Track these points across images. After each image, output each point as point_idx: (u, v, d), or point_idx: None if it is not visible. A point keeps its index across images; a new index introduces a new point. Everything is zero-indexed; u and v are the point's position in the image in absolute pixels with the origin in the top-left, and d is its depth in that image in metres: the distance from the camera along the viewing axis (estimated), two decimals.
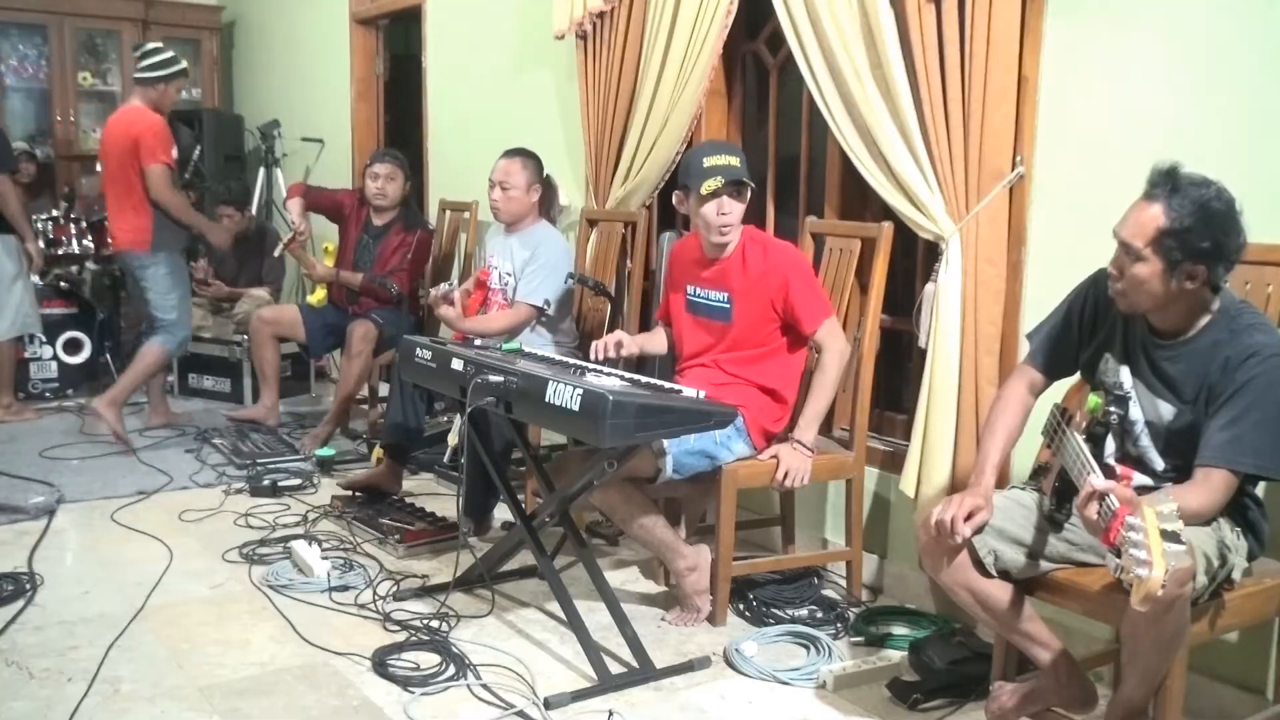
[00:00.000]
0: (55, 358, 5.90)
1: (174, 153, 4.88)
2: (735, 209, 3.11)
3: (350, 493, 4.10)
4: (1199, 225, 2.07)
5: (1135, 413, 2.29)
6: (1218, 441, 2.12)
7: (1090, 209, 2.80)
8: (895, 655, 2.91)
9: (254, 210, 6.59)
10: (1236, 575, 2.18)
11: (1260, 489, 2.29)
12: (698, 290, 3.28)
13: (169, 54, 4.90)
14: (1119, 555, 1.85)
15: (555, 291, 3.95)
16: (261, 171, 6.94)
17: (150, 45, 5.04)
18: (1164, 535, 1.82)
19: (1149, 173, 2.17)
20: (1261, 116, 2.49)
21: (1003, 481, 2.91)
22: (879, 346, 3.32)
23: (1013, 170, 2.96)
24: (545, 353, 3.36)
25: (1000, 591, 2.31)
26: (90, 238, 6.32)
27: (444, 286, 3.94)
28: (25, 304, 5.31)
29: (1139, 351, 2.29)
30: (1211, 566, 2.09)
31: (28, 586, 3.28)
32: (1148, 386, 2.27)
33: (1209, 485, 2.12)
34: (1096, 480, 2.01)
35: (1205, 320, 2.20)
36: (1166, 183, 2.12)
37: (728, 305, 3.20)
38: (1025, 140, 2.94)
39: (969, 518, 2.23)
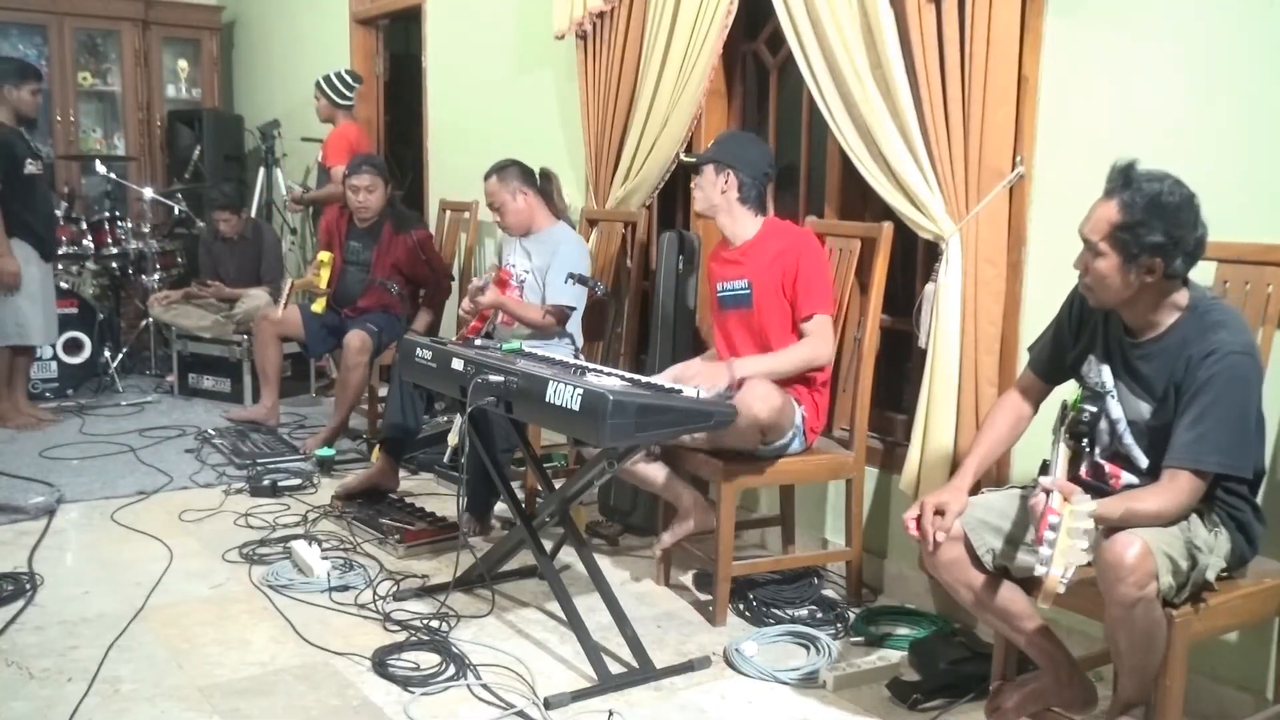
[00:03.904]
0: (55, 358, 5.89)
1: None
2: (699, 182, 3.23)
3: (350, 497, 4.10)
4: (1151, 218, 2.09)
5: (1117, 411, 2.30)
6: (1182, 442, 2.13)
7: None
8: (895, 655, 2.91)
9: (253, 211, 6.60)
10: (1211, 575, 2.16)
11: (1260, 493, 2.28)
12: (723, 284, 3.29)
13: None
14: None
15: (579, 294, 3.94)
16: (261, 171, 6.95)
17: (356, 72, 6.07)
18: (1071, 534, 1.86)
19: (1108, 171, 2.18)
20: (1261, 117, 2.49)
21: (1004, 481, 2.92)
22: (879, 346, 3.32)
23: (1013, 170, 2.96)
24: (548, 353, 3.36)
25: (1000, 589, 2.31)
26: (90, 238, 6.28)
27: (476, 281, 3.95)
28: (18, 314, 5.08)
29: (1117, 351, 2.30)
30: (1179, 568, 2.08)
31: (28, 586, 3.28)
32: (1127, 386, 2.29)
33: (1174, 486, 2.13)
34: (1044, 479, 2.11)
35: (1175, 318, 2.21)
36: (1121, 179, 2.15)
37: (748, 291, 3.20)
38: (1025, 140, 2.94)
39: (940, 515, 2.28)
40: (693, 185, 3.28)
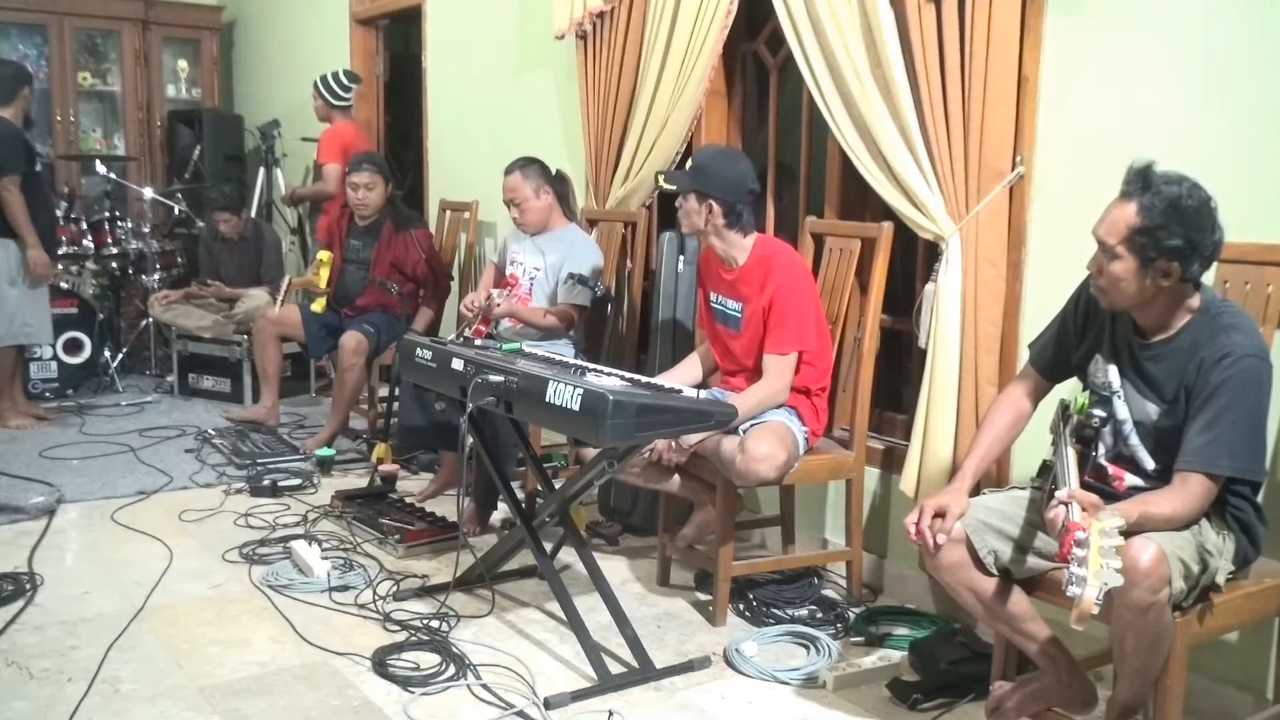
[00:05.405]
0: (55, 358, 5.89)
1: None
2: (683, 206, 3.21)
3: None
4: (1170, 222, 2.09)
5: (1124, 412, 2.29)
6: (1195, 445, 2.13)
7: (1090, 209, 2.77)
8: (895, 655, 2.91)
9: (253, 211, 6.60)
10: (1220, 579, 2.16)
11: (1260, 493, 2.28)
12: (718, 297, 3.29)
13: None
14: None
15: (586, 294, 3.96)
16: (261, 171, 6.95)
17: (353, 72, 6.04)
18: (1102, 553, 1.84)
19: (1125, 172, 2.17)
20: (1261, 116, 2.49)
21: (1004, 481, 2.92)
22: (879, 346, 3.32)
23: (1013, 170, 2.96)
24: (549, 353, 3.36)
25: (1001, 590, 2.31)
26: (90, 238, 6.27)
27: (494, 296, 3.93)
28: (24, 313, 5.13)
29: (1125, 351, 2.30)
30: (1191, 572, 2.09)
31: (28, 586, 3.28)
32: (1134, 387, 2.28)
33: (1186, 490, 2.12)
34: (1060, 492, 2.08)
35: (1186, 319, 2.20)
36: (1139, 181, 2.14)
37: (739, 315, 3.20)
38: (1025, 140, 2.94)
39: (940, 517, 2.27)
40: (676, 205, 3.25)
